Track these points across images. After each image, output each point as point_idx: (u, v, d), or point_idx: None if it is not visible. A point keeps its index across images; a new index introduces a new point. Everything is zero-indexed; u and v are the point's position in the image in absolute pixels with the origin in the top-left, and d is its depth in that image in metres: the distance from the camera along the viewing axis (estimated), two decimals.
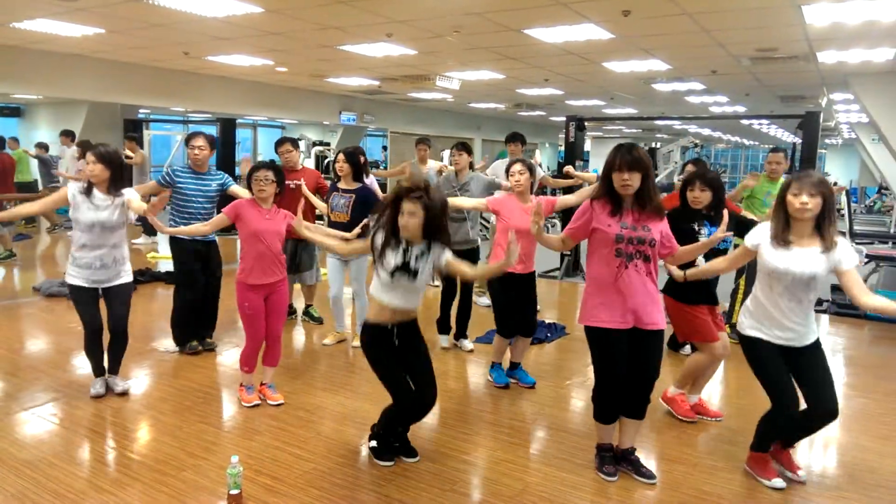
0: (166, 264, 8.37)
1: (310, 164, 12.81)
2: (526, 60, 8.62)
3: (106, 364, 4.03)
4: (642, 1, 5.39)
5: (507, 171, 4.22)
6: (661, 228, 2.99)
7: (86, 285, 3.82)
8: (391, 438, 3.27)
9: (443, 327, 5.20)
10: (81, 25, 7.14)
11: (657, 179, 4.53)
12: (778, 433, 3.12)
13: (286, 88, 12.79)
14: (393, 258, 2.92)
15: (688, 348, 4.88)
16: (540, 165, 4.52)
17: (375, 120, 15.45)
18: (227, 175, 4.81)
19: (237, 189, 4.67)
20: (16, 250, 8.56)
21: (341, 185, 4.90)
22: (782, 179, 5.44)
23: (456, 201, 4.17)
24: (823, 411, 2.94)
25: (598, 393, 3.12)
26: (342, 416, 3.81)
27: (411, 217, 2.83)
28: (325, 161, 15.04)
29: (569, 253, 8.36)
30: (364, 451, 3.36)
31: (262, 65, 9.62)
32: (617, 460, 3.20)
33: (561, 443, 3.55)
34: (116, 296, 3.92)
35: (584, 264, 8.45)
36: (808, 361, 2.96)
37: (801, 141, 7.56)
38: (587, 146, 21.27)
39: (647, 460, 3.27)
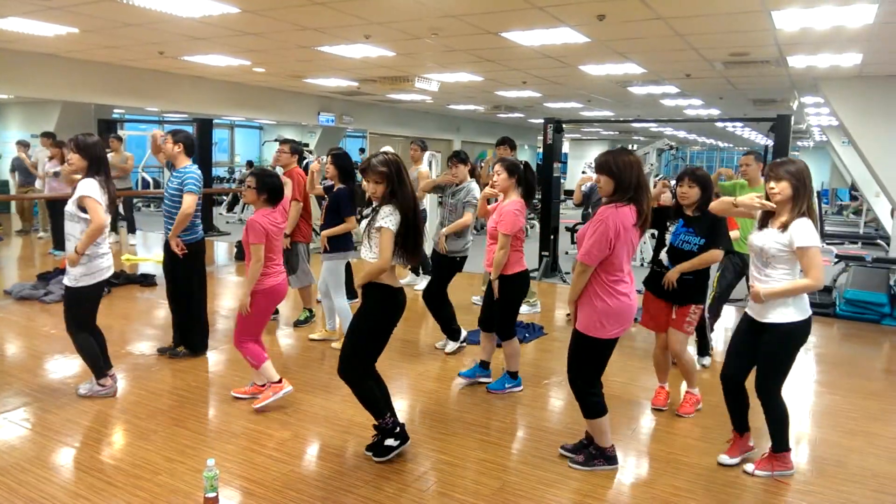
0: (142, 267, 8.28)
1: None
2: (504, 63, 8.67)
3: (80, 368, 3.99)
4: (617, 5, 5.45)
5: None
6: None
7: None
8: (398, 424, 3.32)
9: (453, 332, 5.15)
10: (54, 24, 7.02)
11: None
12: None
13: (264, 89, 12.69)
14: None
15: (707, 360, 4.96)
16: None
17: (354, 121, 15.40)
18: (193, 177, 4.39)
19: (187, 198, 4.34)
20: None
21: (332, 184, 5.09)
22: (762, 182, 5.56)
23: (461, 222, 4.44)
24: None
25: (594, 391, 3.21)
26: (321, 417, 3.81)
27: (377, 185, 3.18)
28: (305, 162, 14.95)
29: (547, 254, 8.42)
30: (346, 453, 3.36)
31: (238, 65, 9.54)
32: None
33: (538, 441, 3.59)
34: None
35: (562, 265, 8.58)
36: (764, 343, 3.10)
37: (773, 143, 7.71)
38: (565, 148, 21.46)
39: (623, 456, 3.34)
